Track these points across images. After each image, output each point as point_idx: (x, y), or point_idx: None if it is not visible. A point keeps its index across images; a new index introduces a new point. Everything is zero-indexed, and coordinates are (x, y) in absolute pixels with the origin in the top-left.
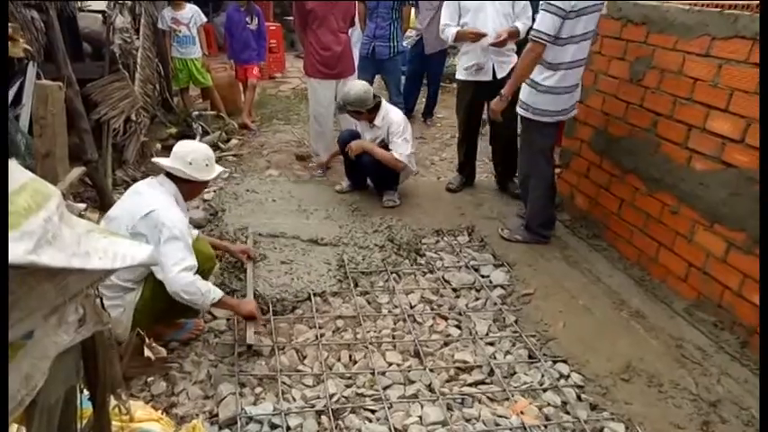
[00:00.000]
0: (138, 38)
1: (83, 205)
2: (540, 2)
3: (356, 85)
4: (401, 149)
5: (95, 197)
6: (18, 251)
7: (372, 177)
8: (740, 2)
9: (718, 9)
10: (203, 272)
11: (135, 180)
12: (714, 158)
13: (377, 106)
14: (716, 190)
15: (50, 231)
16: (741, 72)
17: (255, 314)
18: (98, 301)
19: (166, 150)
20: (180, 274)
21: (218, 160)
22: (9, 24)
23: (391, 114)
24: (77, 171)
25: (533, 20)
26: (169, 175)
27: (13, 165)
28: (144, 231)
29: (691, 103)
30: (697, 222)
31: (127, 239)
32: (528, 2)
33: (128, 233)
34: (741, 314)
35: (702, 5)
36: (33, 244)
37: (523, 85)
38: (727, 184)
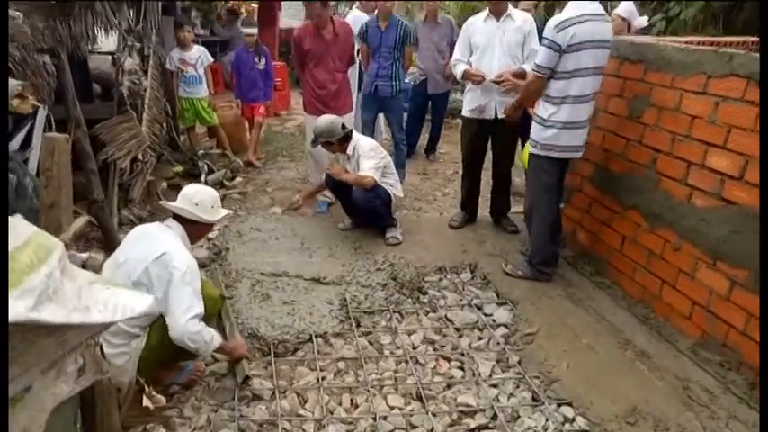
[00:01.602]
0: (146, 78)
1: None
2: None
3: (324, 118)
4: (364, 165)
5: (101, 237)
6: (19, 309)
7: (364, 216)
8: (734, 39)
9: (714, 48)
10: (209, 316)
11: (141, 219)
12: (714, 195)
13: (347, 137)
14: (717, 227)
15: (51, 286)
16: (738, 110)
17: (248, 356)
18: (98, 349)
19: (172, 189)
20: (189, 323)
21: (223, 198)
22: (19, 82)
23: (361, 141)
24: (81, 221)
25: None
26: (176, 218)
27: (17, 219)
28: (155, 274)
29: (689, 140)
30: (699, 259)
31: (128, 290)
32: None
33: (138, 277)
34: (747, 354)
35: (698, 43)
36: (34, 301)
37: (533, 122)
38: (728, 222)
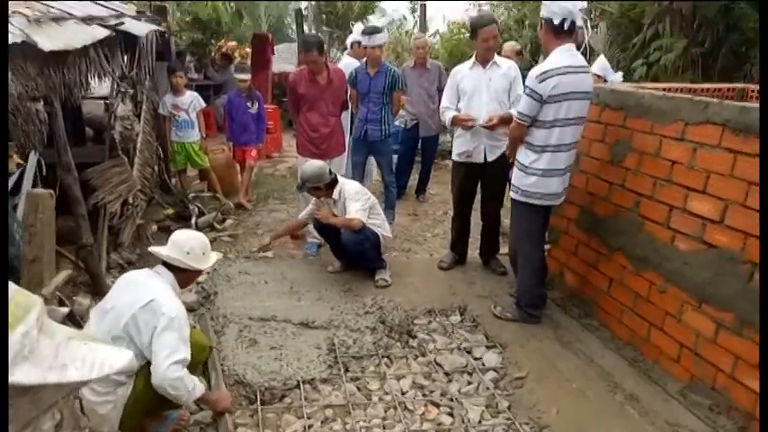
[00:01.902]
0: (138, 123)
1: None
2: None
3: (312, 164)
4: (351, 208)
5: (89, 281)
6: None
7: (354, 258)
8: (712, 85)
9: (690, 96)
10: (196, 363)
11: (130, 263)
12: (696, 239)
13: (334, 182)
14: (700, 270)
15: (27, 346)
16: (714, 156)
17: (231, 410)
18: (77, 403)
19: (162, 231)
20: (170, 368)
21: (214, 240)
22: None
23: (346, 185)
24: (62, 275)
25: None
26: (166, 264)
27: None
28: (143, 321)
29: (670, 185)
30: (685, 302)
31: (107, 346)
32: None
33: (125, 324)
34: (736, 398)
35: (677, 90)
36: (8, 362)
37: (515, 168)
38: (710, 265)
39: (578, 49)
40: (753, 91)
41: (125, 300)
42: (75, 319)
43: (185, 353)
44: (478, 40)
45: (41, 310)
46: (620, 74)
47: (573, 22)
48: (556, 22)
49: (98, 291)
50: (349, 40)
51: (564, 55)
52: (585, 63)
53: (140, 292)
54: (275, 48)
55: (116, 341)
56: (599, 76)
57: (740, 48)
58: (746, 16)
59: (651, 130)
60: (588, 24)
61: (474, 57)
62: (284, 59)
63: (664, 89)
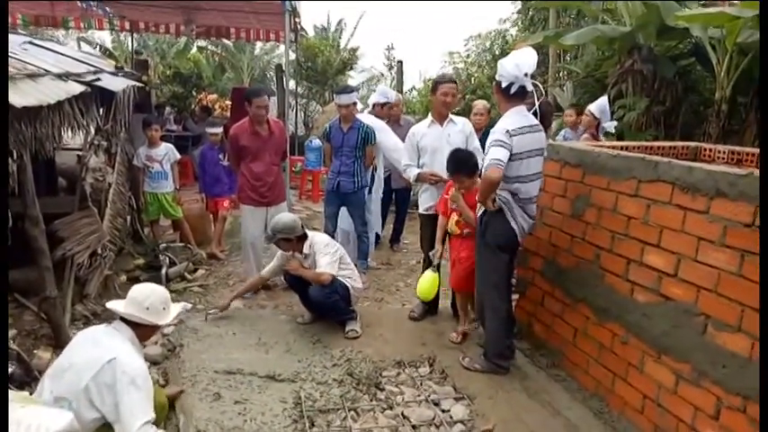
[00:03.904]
0: (111, 174)
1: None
2: (489, 139)
3: (285, 215)
4: (321, 261)
5: (51, 334)
6: None
7: (323, 310)
8: (665, 143)
9: (642, 155)
10: (158, 420)
11: (95, 314)
12: (653, 291)
13: (304, 236)
14: (659, 321)
15: None
16: (667, 212)
17: None
18: None
19: (132, 282)
20: (141, 429)
21: (184, 291)
22: None
23: (316, 238)
24: None
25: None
26: (124, 319)
27: None
28: (103, 381)
29: (627, 239)
30: (646, 353)
31: (46, 409)
32: (477, 143)
33: (86, 385)
34: None
35: (634, 149)
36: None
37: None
38: (667, 317)
39: (529, 110)
40: (706, 149)
41: (83, 359)
42: (34, 374)
43: (151, 413)
44: (438, 94)
45: None
46: (614, 123)
47: (522, 87)
48: (503, 85)
49: (60, 344)
50: (371, 101)
51: (518, 116)
52: (537, 122)
53: (99, 351)
54: None
55: (76, 401)
56: (595, 117)
57: (698, 107)
58: (703, 79)
59: (608, 186)
60: (540, 88)
61: (430, 115)
62: None
63: (621, 147)
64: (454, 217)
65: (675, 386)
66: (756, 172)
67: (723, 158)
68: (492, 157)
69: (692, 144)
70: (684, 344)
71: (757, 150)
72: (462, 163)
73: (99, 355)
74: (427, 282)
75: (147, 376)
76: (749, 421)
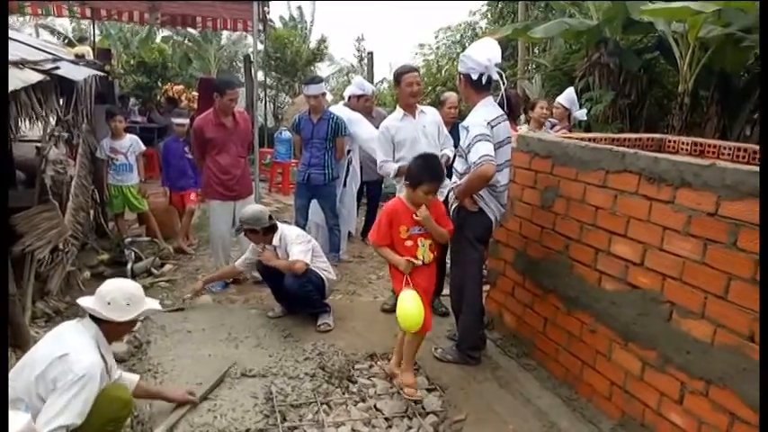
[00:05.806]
0: (73, 166)
1: None
2: (470, 133)
3: (251, 206)
4: (293, 250)
5: (11, 333)
6: None
7: (296, 302)
8: (631, 135)
9: (610, 147)
10: (118, 419)
11: (57, 312)
12: (621, 280)
13: (273, 228)
14: (626, 309)
15: None
16: (633, 202)
17: None
18: None
19: (96, 278)
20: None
21: (151, 286)
22: None
23: (286, 230)
24: None
25: (455, 146)
26: (93, 316)
27: None
28: (52, 377)
29: (595, 229)
30: (613, 341)
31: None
32: (448, 133)
33: (36, 377)
34: None
35: (601, 141)
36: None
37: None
38: (634, 305)
39: (496, 99)
40: (670, 141)
41: (41, 352)
42: None
43: (70, 419)
44: (402, 85)
45: None
46: (584, 111)
47: (489, 77)
48: (474, 77)
49: (20, 343)
50: (347, 93)
51: (490, 107)
52: (503, 112)
53: (57, 345)
54: None
55: (29, 398)
56: (565, 108)
57: (662, 100)
58: (667, 72)
59: (576, 177)
60: (504, 78)
61: (399, 108)
62: None
63: (588, 139)
64: (424, 243)
65: (642, 372)
66: (719, 163)
67: (686, 150)
68: (483, 153)
69: (657, 136)
70: (650, 331)
71: (719, 142)
72: (441, 168)
73: (54, 349)
74: (412, 306)
75: (96, 379)
76: (711, 404)
